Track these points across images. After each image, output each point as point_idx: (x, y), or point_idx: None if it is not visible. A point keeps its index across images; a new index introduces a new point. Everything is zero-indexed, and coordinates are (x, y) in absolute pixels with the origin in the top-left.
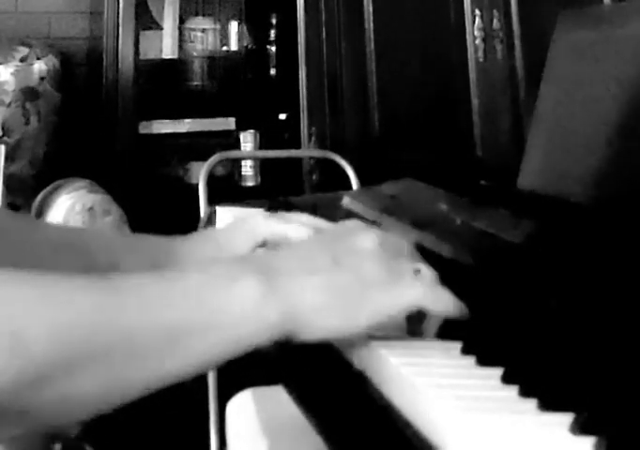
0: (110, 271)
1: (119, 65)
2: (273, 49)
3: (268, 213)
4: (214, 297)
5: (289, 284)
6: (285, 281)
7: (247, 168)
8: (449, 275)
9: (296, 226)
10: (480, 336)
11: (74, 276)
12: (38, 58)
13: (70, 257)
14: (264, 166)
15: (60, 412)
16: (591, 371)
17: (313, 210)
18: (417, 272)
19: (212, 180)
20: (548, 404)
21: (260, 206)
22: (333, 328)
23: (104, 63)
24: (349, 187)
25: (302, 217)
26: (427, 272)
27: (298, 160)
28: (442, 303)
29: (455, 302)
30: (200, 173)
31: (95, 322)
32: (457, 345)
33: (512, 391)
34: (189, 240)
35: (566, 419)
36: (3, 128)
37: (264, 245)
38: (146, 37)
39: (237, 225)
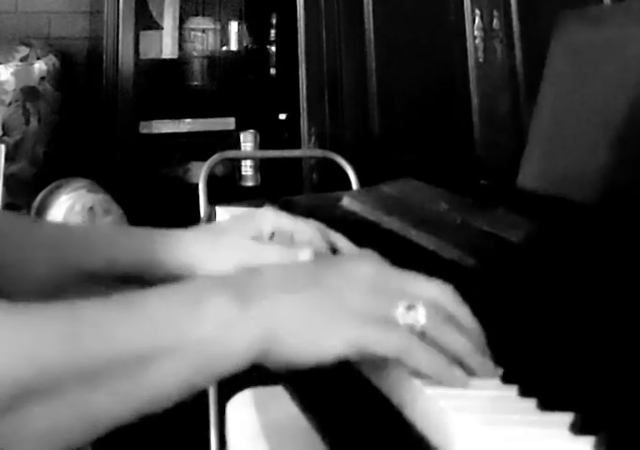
0: (103, 265)
1: (119, 65)
2: (273, 49)
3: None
4: (177, 319)
5: (264, 302)
6: (260, 299)
7: (247, 168)
8: (448, 275)
9: (303, 224)
10: None
11: (44, 305)
12: (38, 58)
13: (59, 253)
14: (264, 166)
15: (28, 440)
16: (591, 371)
17: (313, 210)
18: (410, 308)
19: (212, 180)
20: (548, 404)
21: (260, 206)
22: (304, 352)
23: (104, 63)
24: (349, 187)
25: (309, 221)
26: (421, 312)
27: (298, 160)
28: (417, 362)
29: (434, 361)
30: (200, 173)
31: (58, 350)
32: None
33: (512, 391)
34: (187, 230)
35: (566, 419)
36: (3, 128)
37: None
38: (146, 37)
39: (244, 215)
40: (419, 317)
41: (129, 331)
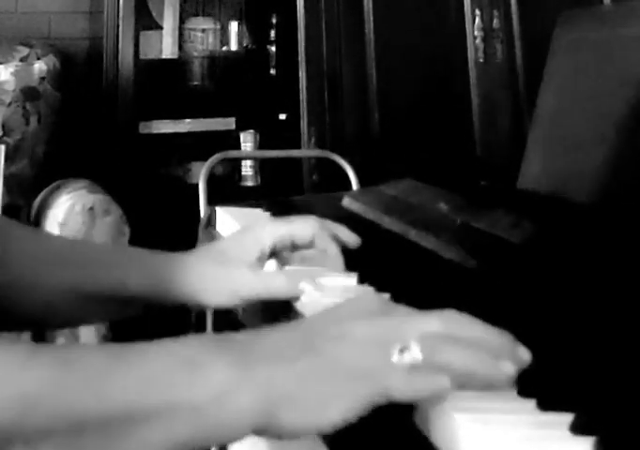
0: (113, 287)
1: (119, 65)
2: (273, 49)
3: (272, 217)
4: (172, 381)
5: (261, 371)
6: (257, 368)
7: (247, 168)
8: (448, 275)
9: (301, 227)
10: None
11: (37, 346)
12: (38, 58)
13: (68, 271)
14: (264, 166)
15: None
16: (591, 371)
17: (313, 210)
18: (403, 349)
19: (212, 180)
20: (547, 404)
21: (260, 206)
22: (303, 423)
23: (104, 63)
24: (349, 187)
25: (307, 218)
26: (415, 352)
27: (298, 160)
28: (414, 393)
29: (433, 387)
30: (200, 173)
31: (46, 395)
32: None
33: (512, 391)
34: (190, 255)
35: (566, 419)
36: (3, 128)
37: (274, 254)
38: (146, 37)
39: (243, 233)
40: (414, 354)
41: (120, 387)
